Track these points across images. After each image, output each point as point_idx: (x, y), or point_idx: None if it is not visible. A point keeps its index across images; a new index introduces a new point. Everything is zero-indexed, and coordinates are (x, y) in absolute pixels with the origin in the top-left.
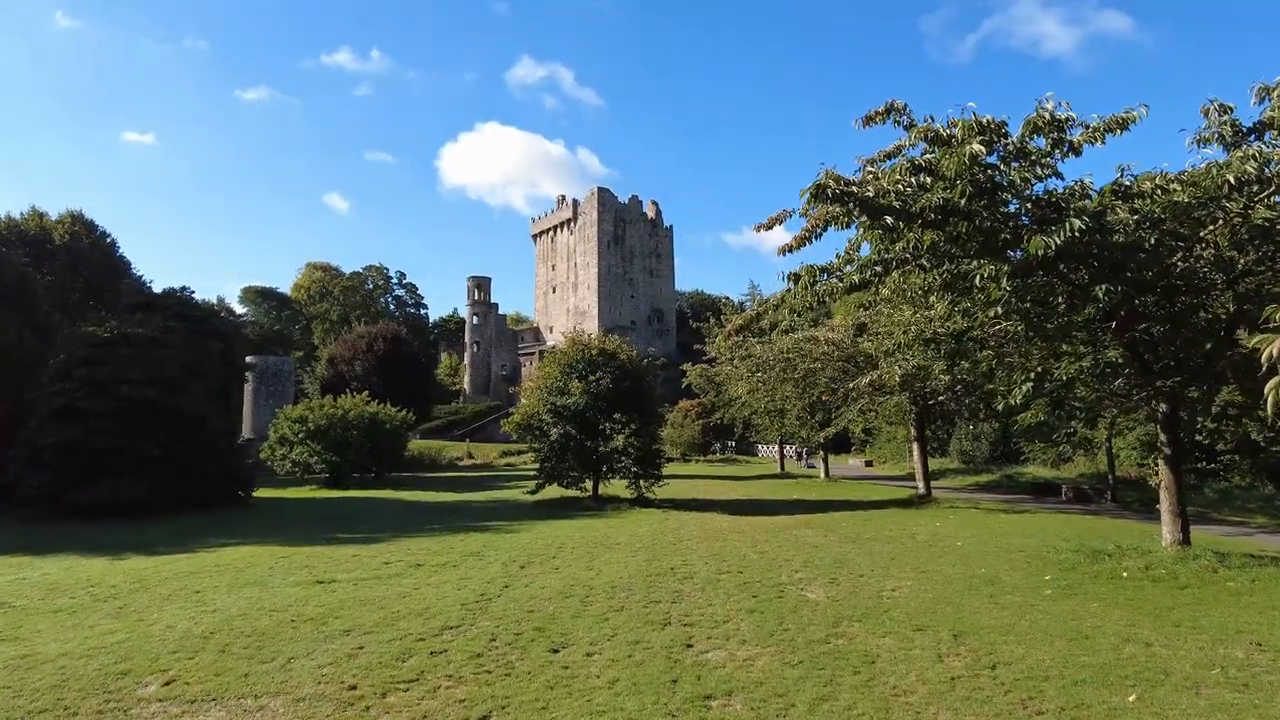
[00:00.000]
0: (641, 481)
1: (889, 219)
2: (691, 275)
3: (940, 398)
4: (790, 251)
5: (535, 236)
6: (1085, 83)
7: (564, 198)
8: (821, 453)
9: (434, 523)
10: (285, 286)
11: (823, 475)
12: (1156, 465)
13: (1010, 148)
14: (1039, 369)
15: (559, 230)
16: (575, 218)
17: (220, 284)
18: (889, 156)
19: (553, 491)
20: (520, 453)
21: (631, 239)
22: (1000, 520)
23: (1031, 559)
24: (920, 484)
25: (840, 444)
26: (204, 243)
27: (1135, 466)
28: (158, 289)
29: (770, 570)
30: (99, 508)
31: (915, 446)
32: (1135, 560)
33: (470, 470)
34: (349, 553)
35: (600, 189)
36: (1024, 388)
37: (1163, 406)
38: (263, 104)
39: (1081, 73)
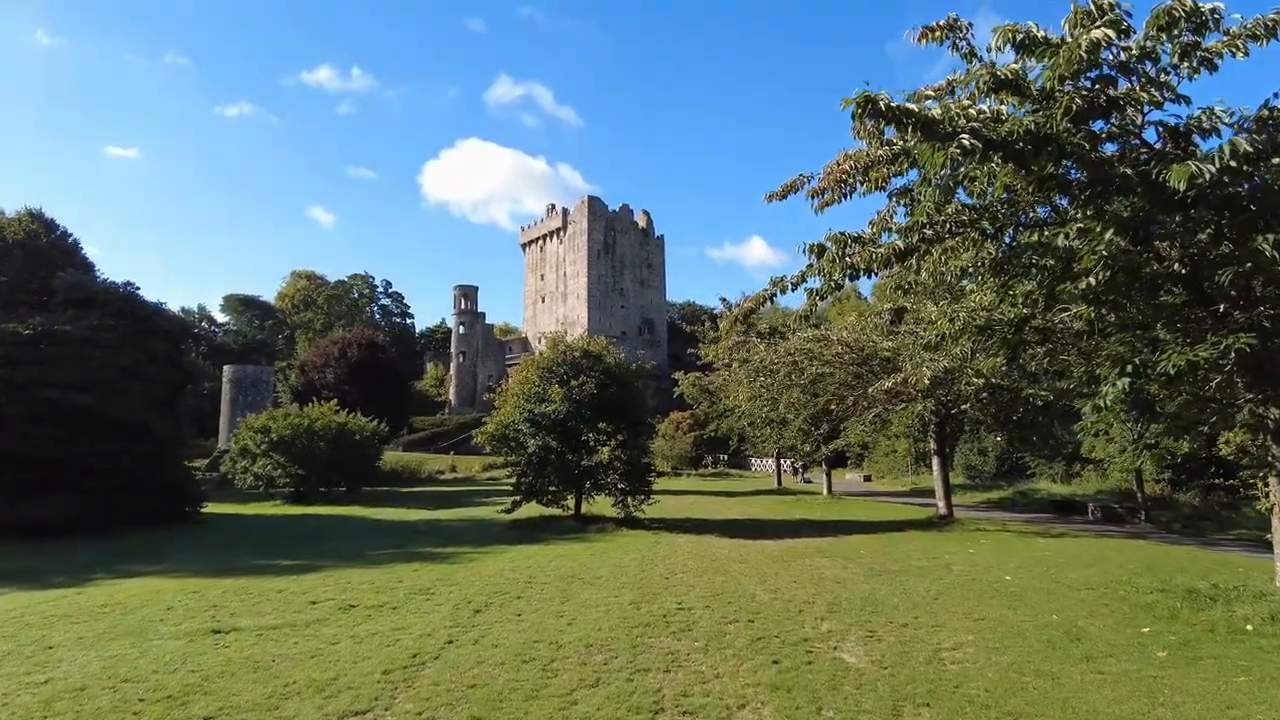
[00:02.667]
0: (629, 499)
1: (967, 141)
2: (674, 288)
3: (964, 406)
4: (825, 208)
5: (524, 246)
6: None
7: (553, 206)
8: (823, 467)
9: (391, 547)
10: (271, 297)
11: (825, 491)
12: (1265, 485)
13: (1130, 54)
14: (1136, 360)
15: (548, 239)
16: (565, 226)
17: (207, 297)
18: (942, 94)
19: (532, 509)
20: (501, 465)
21: (622, 248)
22: (1040, 546)
23: (1109, 600)
24: (940, 503)
25: (837, 458)
26: (190, 256)
27: (1152, 482)
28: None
29: (788, 617)
30: (25, 527)
31: (935, 461)
32: (1251, 607)
33: (451, 484)
34: (275, 586)
35: (591, 197)
36: (1118, 384)
37: (1275, 412)
38: (245, 120)
39: None
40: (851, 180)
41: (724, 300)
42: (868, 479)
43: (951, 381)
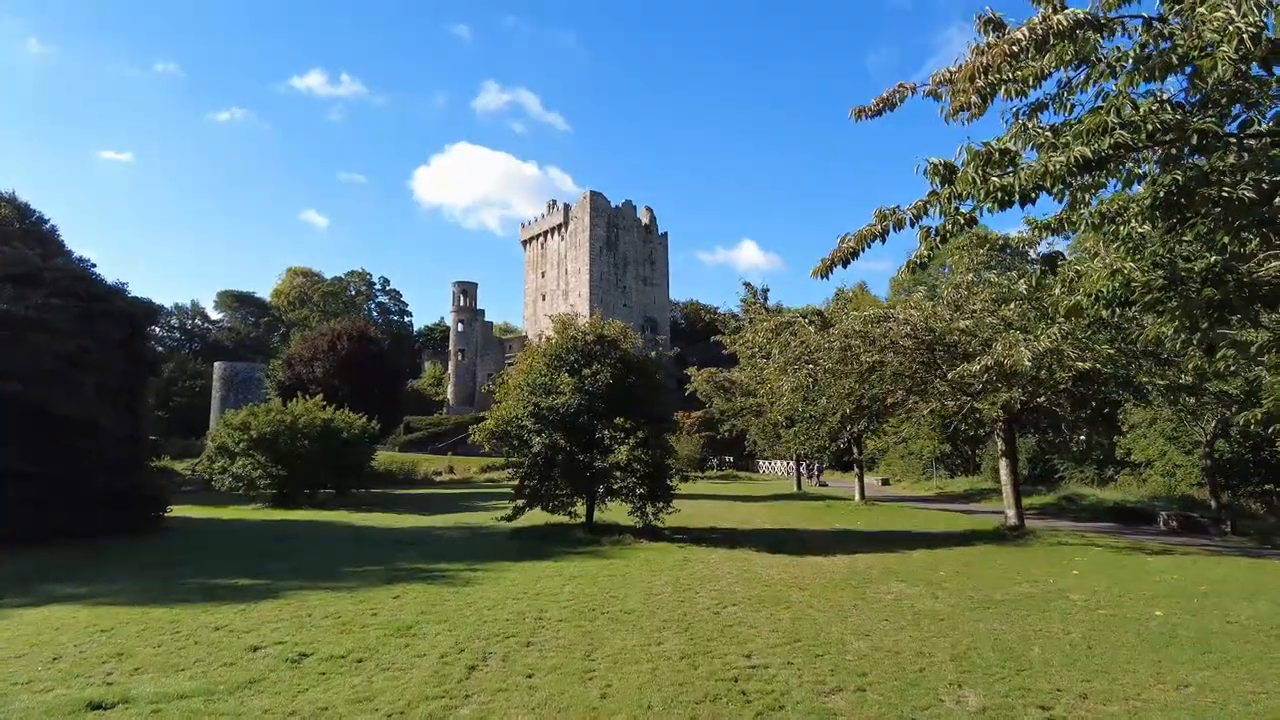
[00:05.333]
0: (649, 506)
1: None
2: (672, 289)
3: (1040, 399)
4: (958, 112)
5: (524, 243)
6: None
7: (554, 202)
8: (855, 470)
9: (373, 562)
10: (266, 295)
11: (858, 497)
12: None
13: None
14: None
15: (549, 236)
16: (566, 223)
17: (202, 296)
18: None
19: (536, 517)
20: (501, 466)
21: (625, 245)
22: (1154, 567)
23: None
24: (1009, 511)
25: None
26: (185, 260)
27: (1198, 487)
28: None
29: (910, 683)
30: None
31: (1003, 464)
32: None
33: (448, 486)
34: (213, 621)
35: (593, 193)
36: None
37: None
38: (236, 125)
39: None
40: (1001, 71)
41: (748, 285)
42: (885, 482)
43: (1054, 365)
